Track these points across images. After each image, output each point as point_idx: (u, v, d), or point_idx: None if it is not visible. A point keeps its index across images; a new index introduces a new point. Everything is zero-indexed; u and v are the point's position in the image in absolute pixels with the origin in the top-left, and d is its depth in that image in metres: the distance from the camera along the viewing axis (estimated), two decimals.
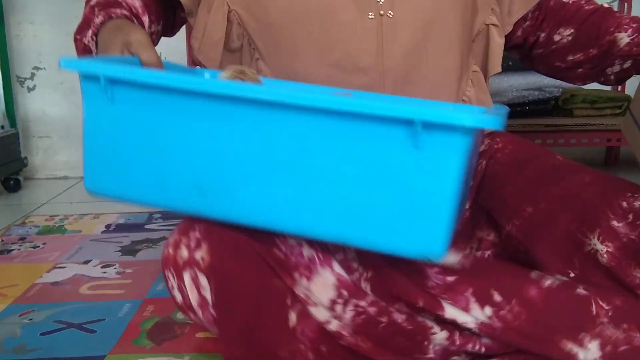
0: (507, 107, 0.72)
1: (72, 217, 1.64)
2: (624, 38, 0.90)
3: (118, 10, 0.79)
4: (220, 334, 0.71)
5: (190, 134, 0.63)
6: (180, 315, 1.00)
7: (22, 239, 1.47)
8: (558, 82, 1.83)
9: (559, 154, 0.88)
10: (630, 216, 0.74)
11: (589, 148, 2.19)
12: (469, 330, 0.71)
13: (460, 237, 0.87)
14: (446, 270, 0.73)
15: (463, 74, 0.87)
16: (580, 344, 0.69)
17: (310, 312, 0.69)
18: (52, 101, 2.12)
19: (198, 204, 0.65)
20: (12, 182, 1.95)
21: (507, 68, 1.45)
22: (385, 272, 0.71)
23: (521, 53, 1.01)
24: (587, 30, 0.93)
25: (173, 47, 2.06)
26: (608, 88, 1.99)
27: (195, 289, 0.69)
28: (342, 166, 0.59)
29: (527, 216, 0.81)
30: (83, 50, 0.78)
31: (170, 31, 0.98)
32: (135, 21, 0.80)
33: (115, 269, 1.25)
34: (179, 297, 0.72)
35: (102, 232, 1.50)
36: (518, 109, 1.87)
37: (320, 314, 0.69)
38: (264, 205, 0.63)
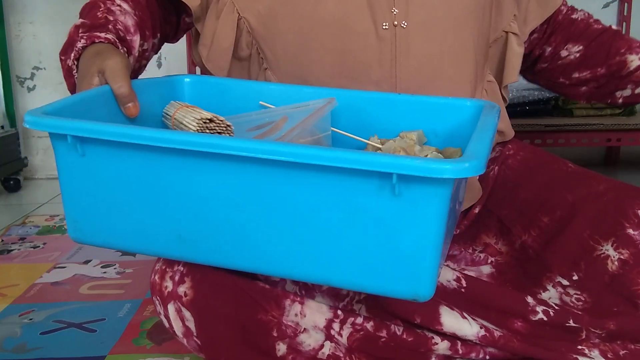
0: (498, 107, 0.71)
1: None
2: (634, 60, 0.90)
3: (102, 35, 0.76)
4: None
5: (163, 184, 0.62)
6: None
7: (22, 239, 1.47)
8: None
9: (569, 162, 0.87)
10: None
11: (589, 148, 2.19)
12: (470, 341, 0.71)
13: (462, 239, 0.87)
14: (437, 294, 0.74)
15: (477, 85, 0.86)
16: (583, 354, 0.70)
17: (300, 342, 0.69)
18: (52, 101, 2.11)
19: (180, 250, 0.64)
20: (12, 182, 1.95)
21: None
22: None
23: (524, 66, 0.98)
24: (597, 49, 0.92)
25: (173, 47, 2.06)
26: None
27: (180, 320, 0.70)
28: (323, 213, 0.58)
29: (544, 226, 0.80)
30: (67, 70, 0.76)
31: (173, 37, 0.95)
32: (120, 45, 0.77)
33: (115, 269, 1.25)
34: (165, 324, 0.72)
35: None
36: (518, 109, 1.86)
37: (312, 339, 0.69)
38: (246, 250, 0.62)
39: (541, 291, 0.77)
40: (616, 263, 0.73)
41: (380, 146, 0.72)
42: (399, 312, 0.70)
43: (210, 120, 0.70)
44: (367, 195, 0.56)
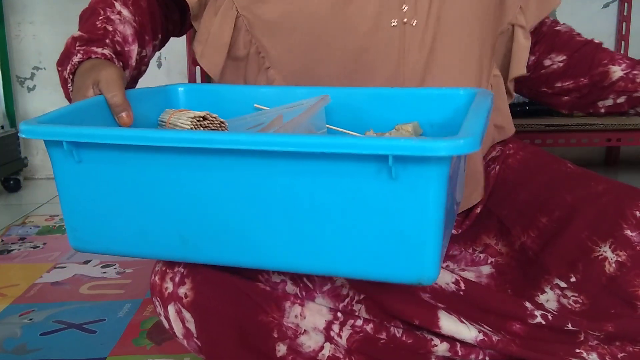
0: (491, 94, 0.70)
1: None
2: (617, 71, 0.92)
3: (99, 50, 0.75)
4: None
5: (161, 186, 0.62)
6: None
7: (22, 239, 1.47)
8: None
9: (569, 162, 0.87)
10: None
11: (589, 148, 2.19)
12: (469, 343, 0.71)
13: (463, 239, 0.87)
14: (436, 297, 0.74)
15: (482, 80, 0.85)
16: (582, 357, 0.70)
17: (300, 343, 0.69)
18: (52, 101, 2.12)
19: (183, 252, 0.64)
20: (12, 182, 1.96)
21: None
22: (378, 292, 0.71)
23: None
24: (580, 59, 0.94)
25: (173, 47, 2.06)
26: None
27: (180, 321, 0.70)
28: (323, 202, 0.58)
29: (542, 227, 0.80)
30: (64, 81, 0.77)
31: (179, 33, 0.95)
32: (116, 60, 0.77)
33: (115, 269, 1.25)
34: (165, 324, 0.72)
35: None
36: (518, 109, 1.86)
37: (312, 340, 0.69)
38: (250, 246, 0.62)
39: (539, 293, 0.77)
40: (614, 265, 0.73)
41: None
42: (398, 313, 0.71)
43: (204, 118, 0.70)
44: (365, 181, 0.56)
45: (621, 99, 0.94)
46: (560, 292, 0.77)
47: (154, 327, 0.98)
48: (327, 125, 0.76)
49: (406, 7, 0.77)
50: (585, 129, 1.82)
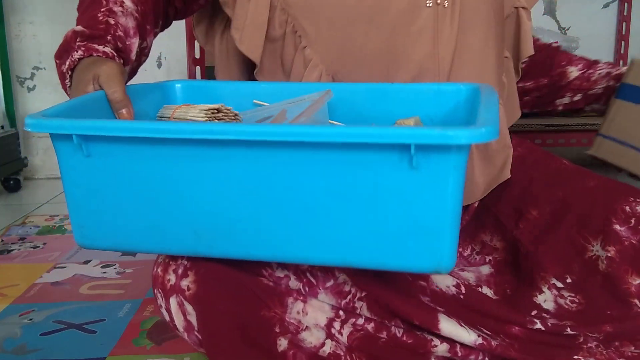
0: (494, 89, 0.71)
1: None
2: (574, 71, 1.00)
3: (100, 48, 0.75)
4: (208, 357, 0.71)
5: (175, 179, 0.61)
6: None
7: (22, 239, 1.47)
8: None
9: (565, 159, 0.88)
10: (633, 221, 0.74)
11: (589, 148, 2.19)
12: (469, 345, 0.71)
13: (462, 235, 0.87)
14: (436, 300, 0.75)
15: (499, 61, 0.87)
16: None
17: (301, 339, 0.69)
18: (52, 101, 2.11)
19: (196, 247, 0.63)
20: (12, 182, 1.96)
21: None
22: (380, 291, 0.72)
23: None
24: (540, 61, 1.00)
25: (173, 47, 2.06)
26: None
27: (182, 314, 0.69)
28: (342, 193, 0.58)
29: (532, 219, 0.81)
30: (61, 75, 0.77)
31: (182, 16, 0.94)
32: (118, 57, 0.77)
33: (115, 269, 1.25)
34: (166, 317, 0.72)
35: None
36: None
37: (313, 337, 0.69)
38: (266, 239, 0.61)
39: (537, 293, 0.78)
40: (605, 262, 0.74)
41: None
42: (399, 312, 0.71)
43: (218, 110, 0.69)
44: (386, 171, 0.56)
45: (577, 97, 1.02)
46: (557, 293, 0.77)
47: (154, 327, 0.98)
48: (329, 121, 0.76)
49: None
50: (585, 129, 1.81)
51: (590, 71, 1.00)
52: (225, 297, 0.67)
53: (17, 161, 1.97)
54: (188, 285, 0.68)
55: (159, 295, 0.71)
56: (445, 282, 0.77)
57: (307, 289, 0.71)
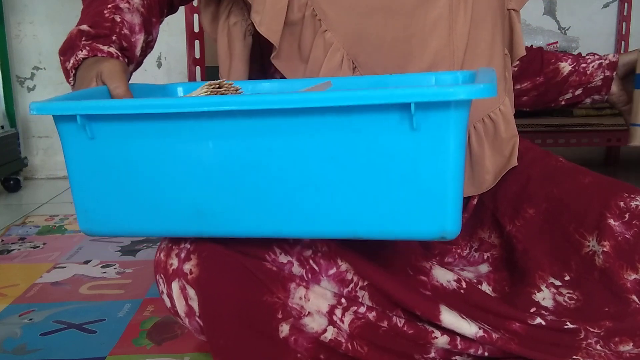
0: (494, 70, 0.72)
1: (72, 217, 1.64)
2: (565, 66, 1.02)
3: (105, 48, 0.75)
4: (209, 342, 0.71)
5: (178, 156, 0.61)
6: None
7: (22, 239, 1.47)
8: None
9: (561, 157, 0.89)
10: (627, 216, 0.75)
11: (589, 148, 2.19)
12: (469, 338, 0.72)
13: (461, 233, 0.88)
14: (437, 295, 0.75)
15: (503, 55, 0.88)
16: None
17: (304, 324, 0.69)
18: None
19: (199, 226, 0.63)
20: (12, 182, 1.96)
21: None
22: (382, 280, 0.72)
23: None
24: (530, 62, 1.03)
25: (173, 47, 2.06)
26: None
27: (183, 298, 0.69)
28: (344, 160, 0.58)
29: (528, 217, 0.82)
30: (66, 71, 0.77)
31: (185, 2, 0.94)
32: (122, 57, 0.77)
33: (115, 269, 1.25)
34: (167, 303, 0.72)
35: None
36: (518, 109, 1.86)
37: (315, 322, 0.69)
38: (268, 214, 0.61)
39: (535, 291, 0.78)
40: (601, 257, 0.75)
41: None
42: (401, 301, 0.71)
43: (220, 86, 0.70)
44: (386, 134, 0.56)
45: (579, 91, 1.04)
46: (555, 290, 0.78)
47: (154, 327, 0.98)
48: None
49: None
50: (585, 129, 1.82)
51: (583, 64, 1.02)
52: (227, 280, 0.67)
53: (17, 161, 1.97)
54: (190, 269, 0.68)
55: (160, 280, 0.71)
56: (445, 277, 0.77)
57: (309, 275, 0.71)
